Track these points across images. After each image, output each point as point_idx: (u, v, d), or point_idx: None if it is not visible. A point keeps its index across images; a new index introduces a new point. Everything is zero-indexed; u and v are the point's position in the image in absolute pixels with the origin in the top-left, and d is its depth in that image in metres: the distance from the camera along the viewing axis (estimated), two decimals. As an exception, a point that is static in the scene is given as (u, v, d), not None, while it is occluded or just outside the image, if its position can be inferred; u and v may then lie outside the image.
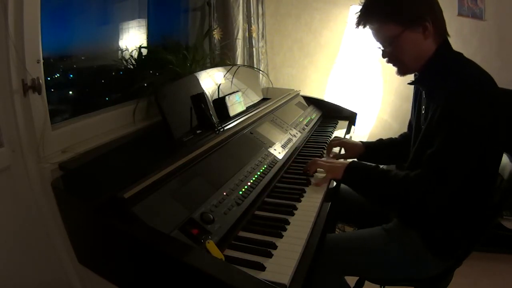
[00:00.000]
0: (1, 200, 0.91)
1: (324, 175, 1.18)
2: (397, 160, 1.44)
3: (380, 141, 1.44)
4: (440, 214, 1.02)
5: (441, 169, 0.92)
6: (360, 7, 1.04)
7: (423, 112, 1.11)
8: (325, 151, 1.49)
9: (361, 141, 1.45)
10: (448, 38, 1.04)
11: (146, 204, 0.82)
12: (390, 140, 1.43)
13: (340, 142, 1.46)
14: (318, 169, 1.21)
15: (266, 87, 2.23)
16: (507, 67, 2.15)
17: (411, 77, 1.13)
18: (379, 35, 1.03)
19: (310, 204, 1.05)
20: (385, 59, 1.06)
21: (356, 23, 1.05)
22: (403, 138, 1.39)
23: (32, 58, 0.95)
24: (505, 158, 1.08)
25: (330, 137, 1.64)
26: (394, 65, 1.06)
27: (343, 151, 1.46)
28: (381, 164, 1.53)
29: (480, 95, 0.91)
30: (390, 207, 1.10)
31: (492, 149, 0.95)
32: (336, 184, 1.20)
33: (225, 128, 1.25)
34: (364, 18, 1.03)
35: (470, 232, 1.05)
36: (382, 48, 1.05)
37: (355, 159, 1.16)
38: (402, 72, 1.07)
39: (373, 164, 1.09)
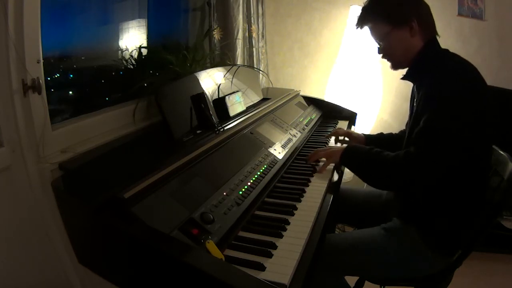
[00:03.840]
0: (1, 200, 0.91)
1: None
2: None
3: (380, 134, 1.53)
4: (436, 205, 1.05)
5: (428, 143, 0.97)
6: (361, 7, 1.18)
7: (415, 105, 1.16)
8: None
9: (363, 133, 1.55)
10: (438, 38, 1.13)
11: (146, 204, 0.82)
12: (390, 135, 1.49)
13: (346, 132, 1.58)
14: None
15: (266, 87, 2.23)
16: (507, 67, 2.15)
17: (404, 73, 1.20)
18: (374, 33, 1.17)
19: (310, 204, 1.05)
20: (380, 55, 1.18)
21: (356, 25, 1.19)
22: (402, 134, 1.41)
23: (32, 58, 0.96)
24: (505, 158, 1.08)
25: (328, 137, 1.65)
26: (387, 60, 1.19)
27: (347, 139, 1.58)
28: None
29: (463, 81, 0.99)
30: (384, 185, 1.15)
31: (478, 133, 0.99)
32: (336, 185, 1.21)
33: (225, 128, 1.24)
34: (362, 19, 1.17)
35: (470, 231, 1.05)
36: (378, 46, 1.17)
37: (350, 144, 1.27)
38: (394, 66, 1.19)
39: (368, 147, 1.15)
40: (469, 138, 0.97)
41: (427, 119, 0.99)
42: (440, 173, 0.98)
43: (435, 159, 0.97)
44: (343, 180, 1.28)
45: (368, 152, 1.12)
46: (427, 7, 1.12)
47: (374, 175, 1.10)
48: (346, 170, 1.26)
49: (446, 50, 1.11)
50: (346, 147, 1.21)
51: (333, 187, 1.19)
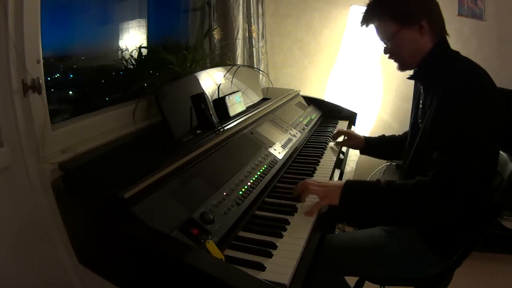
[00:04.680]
0: (1, 200, 0.91)
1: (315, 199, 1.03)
2: (396, 156, 1.50)
3: (381, 137, 1.50)
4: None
5: (455, 172, 0.90)
6: (364, 7, 1.12)
7: (420, 106, 1.14)
8: (325, 151, 1.50)
9: (364, 136, 1.53)
10: (447, 38, 1.08)
11: (146, 204, 0.82)
12: (392, 137, 1.47)
13: (346, 131, 1.57)
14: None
15: (266, 87, 2.23)
16: (507, 67, 2.15)
17: (410, 73, 1.16)
18: (380, 32, 1.10)
19: (310, 204, 1.05)
20: (387, 55, 1.12)
21: (361, 22, 1.12)
22: (406, 135, 1.40)
23: (32, 58, 0.95)
24: (505, 158, 1.08)
25: (330, 137, 1.65)
26: (394, 60, 1.13)
27: (341, 138, 1.57)
28: (380, 159, 1.59)
29: (476, 89, 0.94)
30: (405, 219, 1.02)
31: (491, 143, 0.96)
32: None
33: (225, 128, 1.24)
34: (367, 17, 1.11)
35: (470, 231, 1.05)
36: (384, 45, 1.11)
37: (349, 179, 1.07)
38: (401, 67, 1.13)
39: (369, 180, 1.04)
40: (487, 153, 0.94)
41: (446, 145, 0.92)
42: (467, 195, 0.90)
43: (463, 184, 0.90)
44: (343, 180, 1.27)
45: (377, 186, 0.98)
46: (437, 5, 1.07)
47: (392, 210, 0.97)
48: (346, 170, 1.26)
49: (457, 52, 1.06)
50: (345, 183, 1.01)
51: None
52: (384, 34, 1.09)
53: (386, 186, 0.97)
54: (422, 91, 1.14)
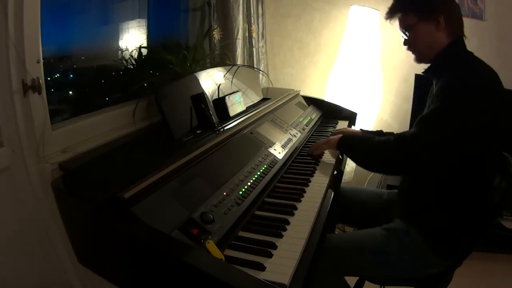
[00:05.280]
0: (1, 200, 0.91)
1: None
2: None
3: (379, 131, 1.51)
4: (438, 206, 1.05)
5: (423, 130, 1.00)
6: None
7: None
8: (325, 151, 1.49)
9: (361, 129, 1.56)
10: (465, 39, 1.14)
11: (146, 204, 0.82)
12: (391, 134, 1.45)
13: (340, 131, 1.57)
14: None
15: (266, 87, 2.23)
16: (507, 67, 2.15)
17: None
18: (401, 24, 1.18)
19: (310, 204, 1.05)
20: (405, 46, 1.19)
21: (386, 15, 1.21)
22: None
23: (32, 58, 0.95)
24: (506, 159, 1.08)
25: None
26: (412, 52, 1.20)
27: None
28: None
29: (483, 90, 0.98)
30: (375, 167, 1.21)
31: (492, 144, 0.98)
32: (336, 185, 1.21)
33: (225, 128, 1.24)
34: (392, 10, 1.19)
35: (470, 231, 1.05)
36: (405, 37, 1.18)
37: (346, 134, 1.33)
38: (418, 59, 1.20)
39: (361, 135, 1.23)
40: (468, 138, 0.97)
41: (432, 108, 1.00)
42: (428, 160, 1.00)
43: (425, 145, 0.99)
44: (343, 180, 1.28)
45: (361, 137, 1.21)
46: (457, 8, 1.15)
47: (366, 157, 1.16)
48: (346, 170, 1.27)
49: (471, 53, 1.11)
50: (343, 135, 1.29)
51: (333, 187, 1.19)
52: (404, 25, 1.16)
53: (368, 137, 1.19)
54: (434, 87, 1.17)
